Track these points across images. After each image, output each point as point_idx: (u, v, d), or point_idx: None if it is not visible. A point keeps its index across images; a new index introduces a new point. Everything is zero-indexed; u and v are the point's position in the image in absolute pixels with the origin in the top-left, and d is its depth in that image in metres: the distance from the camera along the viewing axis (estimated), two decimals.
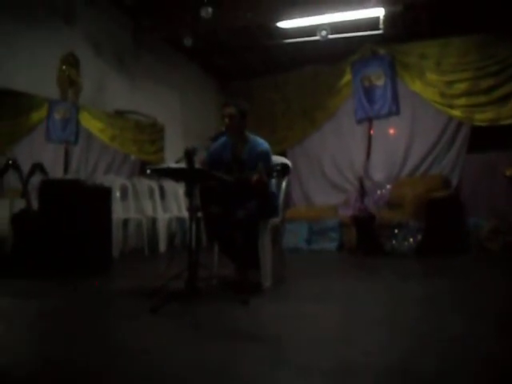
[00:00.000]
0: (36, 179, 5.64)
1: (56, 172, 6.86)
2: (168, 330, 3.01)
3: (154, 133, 8.72)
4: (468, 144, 7.98)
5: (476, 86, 7.74)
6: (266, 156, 4.32)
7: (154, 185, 7.87)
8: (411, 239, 6.92)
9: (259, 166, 3.93)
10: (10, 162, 5.49)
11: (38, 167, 5.65)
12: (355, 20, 7.46)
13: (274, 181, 4.48)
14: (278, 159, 4.70)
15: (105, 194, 5.70)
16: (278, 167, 4.01)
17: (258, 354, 2.47)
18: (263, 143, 4.42)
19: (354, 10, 7.18)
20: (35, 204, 5.41)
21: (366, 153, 8.85)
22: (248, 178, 4.00)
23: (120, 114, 8.04)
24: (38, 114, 6.91)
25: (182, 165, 3.76)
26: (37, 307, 3.70)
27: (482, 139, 7.78)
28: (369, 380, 2.14)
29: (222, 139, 4.43)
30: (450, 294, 4.14)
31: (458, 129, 8.06)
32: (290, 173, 4.06)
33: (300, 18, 7.43)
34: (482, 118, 7.72)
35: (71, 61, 7.08)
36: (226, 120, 4.28)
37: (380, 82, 8.60)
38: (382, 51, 8.60)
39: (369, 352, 2.50)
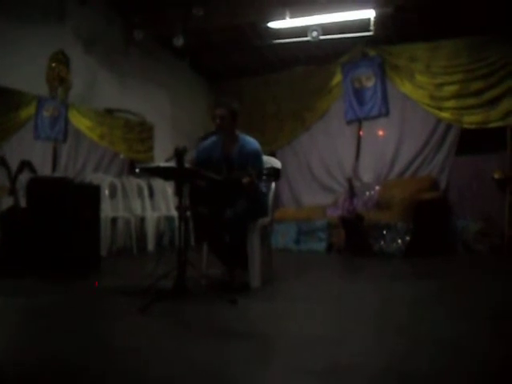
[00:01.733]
0: (24, 177, 5.61)
1: (44, 170, 6.84)
2: (156, 330, 3.00)
3: (143, 131, 8.69)
4: (457, 146, 8.00)
5: (465, 89, 7.77)
6: (256, 155, 4.33)
7: (143, 183, 7.86)
8: (399, 240, 6.94)
9: (249, 168, 3.93)
10: None
11: (26, 165, 5.61)
12: (346, 21, 7.47)
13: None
14: (269, 160, 4.71)
15: (93, 192, 5.68)
16: (270, 171, 3.99)
17: (246, 354, 2.47)
18: (254, 142, 4.42)
19: (344, 11, 7.20)
20: (23, 202, 5.38)
21: (356, 154, 8.87)
22: (238, 178, 3.99)
23: (109, 112, 8.01)
24: (27, 111, 6.87)
25: (172, 164, 3.76)
26: (24, 306, 3.68)
27: (470, 142, 7.82)
28: (358, 380, 2.14)
29: (212, 138, 4.43)
30: (438, 295, 4.16)
31: (447, 131, 8.08)
32: (281, 177, 4.04)
33: (291, 18, 7.43)
34: (471, 120, 7.75)
35: (61, 58, 7.06)
36: (218, 121, 4.29)
37: (370, 84, 8.62)
38: (372, 53, 8.62)
39: (358, 352, 2.50)
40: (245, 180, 3.92)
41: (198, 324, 3.12)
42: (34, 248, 4.98)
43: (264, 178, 3.99)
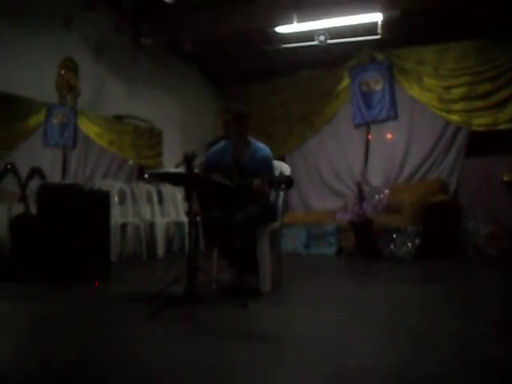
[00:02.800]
0: (34, 184, 5.63)
1: (54, 176, 6.86)
2: (167, 335, 3.00)
3: (152, 137, 8.71)
4: (466, 149, 7.97)
5: (473, 91, 7.74)
6: (267, 162, 4.34)
7: (152, 189, 7.87)
8: (409, 244, 6.92)
9: (261, 175, 3.94)
10: (9, 166, 5.48)
11: (36, 172, 5.64)
12: (353, 25, 7.48)
13: None
14: (278, 165, 4.69)
15: (103, 198, 5.70)
16: (283, 179, 3.98)
17: (257, 358, 2.47)
18: (265, 148, 4.43)
19: (352, 15, 7.20)
20: (33, 208, 5.41)
21: (364, 158, 8.85)
22: (248, 185, 3.99)
23: (118, 118, 8.04)
24: (36, 119, 6.90)
25: (181, 169, 3.77)
26: (35, 312, 3.70)
27: (479, 144, 7.78)
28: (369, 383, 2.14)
29: (222, 143, 4.45)
30: (448, 298, 4.15)
31: (456, 133, 8.05)
32: (293, 185, 4.03)
33: (298, 23, 7.43)
34: (480, 122, 7.72)
35: (70, 65, 7.10)
36: (224, 126, 4.31)
37: (378, 87, 8.61)
38: (380, 56, 8.62)
39: (367, 356, 2.49)
40: (255, 182, 3.92)
41: (208, 329, 3.12)
42: (44, 254, 5.00)
43: (276, 185, 3.98)
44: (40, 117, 6.91)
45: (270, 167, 4.35)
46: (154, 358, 2.49)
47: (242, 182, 4.09)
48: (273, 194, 4.51)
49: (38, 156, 6.80)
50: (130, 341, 2.91)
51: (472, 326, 3.09)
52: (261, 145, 4.46)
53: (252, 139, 4.48)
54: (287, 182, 3.92)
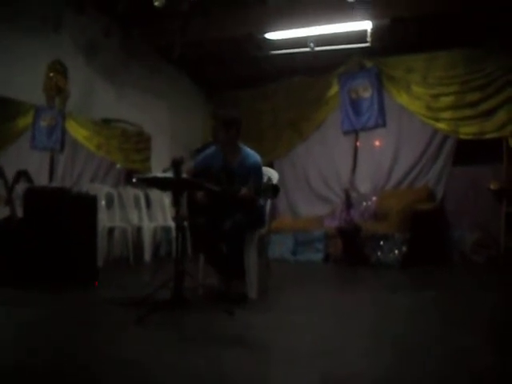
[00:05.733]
0: (21, 187, 5.59)
1: (41, 180, 6.81)
2: (154, 340, 2.99)
3: (140, 142, 8.69)
4: (453, 157, 8.02)
5: (462, 100, 7.79)
6: (257, 169, 4.34)
7: (140, 193, 7.84)
8: (396, 251, 6.95)
9: (250, 184, 3.94)
10: None
11: (22, 174, 5.60)
12: (343, 33, 7.52)
13: None
14: (266, 171, 4.70)
15: (90, 202, 5.66)
16: (268, 188, 3.98)
17: (244, 365, 2.46)
18: (255, 155, 4.43)
19: (341, 22, 7.24)
20: (20, 212, 5.37)
21: (352, 164, 8.88)
22: (236, 192, 4.00)
23: (107, 122, 8.01)
24: (24, 121, 6.86)
25: (169, 174, 3.76)
26: (21, 317, 3.66)
27: (467, 152, 7.84)
28: None
29: (212, 149, 4.45)
30: (435, 306, 4.16)
31: (444, 142, 8.10)
32: (279, 193, 4.02)
33: (288, 29, 7.47)
34: (467, 131, 7.77)
35: (59, 68, 7.07)
36: (214, 132, 4.31)
37: (367, 95, 8.64)
38: (369, 64, 8.65)
39: (355, 363, 2.49)
40: (243, 191, 3.93)
41: (194, 335, 3.11)
42: (31, 258, 4.95)
43: (262, 194, 3.99)
44: (28, 119, 6.87)
45: (260, 174, 4.35)
46: (142, 363, 2.48)
47: (230, 189, 4.09)
48: (260, 200, 4.51)
49: (26, 159, 6.76)
50: (118, 345, 2.89)
51: (458, 334, 3.10)
52: (251, 151, 4.46)
53: (242, 145, 4.48)
54: (273, 191, 3.92)
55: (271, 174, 4.70)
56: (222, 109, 4.69)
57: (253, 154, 4.44)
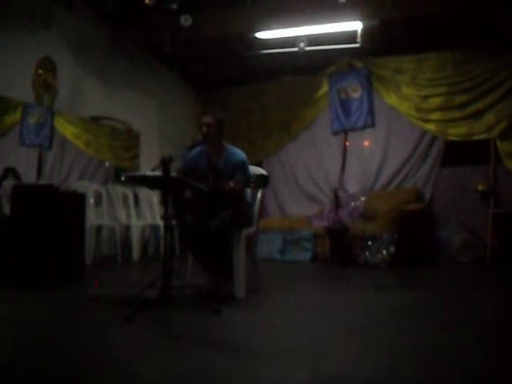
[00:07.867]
0: (8, 184, 5.56)
1: (29, 177, 6.77)
2: (141, 339, 2.99)
3: (129, 140, 8.67)
4: (442, 158, 8.07)
5: (450, 101, 7.84)
6: (242, 166, 4.32)
7: (129, 192, 7.82)
8: (384, 251, 6.97)
9: (237, 176, 3.94)
10: None
11: (10, 171, 5.58)
12: (333, 33, 7.54)
13: (249, 191, 4.48)
14: (256, 170, 4.71)
15: (78, 200, 5.65)
16: (258, 178, 3.99)
17: (230, 365, 2.46)
18: (240, 153, 4.43)
19: (332, 23, 7.26)
20: (7, 209, 5.34)
21: (341, 164, 8.90)
22: (223, 186, 3.99)
23: (96, 119, 7.98)
24: (12, 118, 6.80)
25: (158, 173, 3.76)
26: (6, 315, 3.64)
27: (455, 154, 7.89)
28: None
29: (198, 148, 4.43)
30: (423, 306, 4.18)
31: (432, 143, 8.14)
32: (269, 183, 4.03)
33: (278, 29, 7.47)
34: (456, 132, 7.82)
35: (48, 65, 7.03)
36: (204, 129, 4.28)
37: (356, 95, 8.67)
38: (358, 64, 8.68)
39: (343, 363, 2.50)
40: (231, 184, 3.92)
41: (182, 334, 3.11)
42: (18, 256, 4.93)
43: (252, 185, 3.99)
44: (16, 116, 6.81)
45: (246, 171, 4.33)
46: (130, 361, 2.48)
47: (217, 185, 4.09)
48: (249, 194, 4.51)
49: (14, 155, 6.70)
50: (105, 344, 2.88)
51: (446, 334, 3.11)
52: (236, 149, 4.46)
53: (227, 144, 4.47)
54: (263, 180, 3.93)
55: (260, 173, 4.70)
56: (210, 107, 4.66)
57: (238, 152, 4.43)
